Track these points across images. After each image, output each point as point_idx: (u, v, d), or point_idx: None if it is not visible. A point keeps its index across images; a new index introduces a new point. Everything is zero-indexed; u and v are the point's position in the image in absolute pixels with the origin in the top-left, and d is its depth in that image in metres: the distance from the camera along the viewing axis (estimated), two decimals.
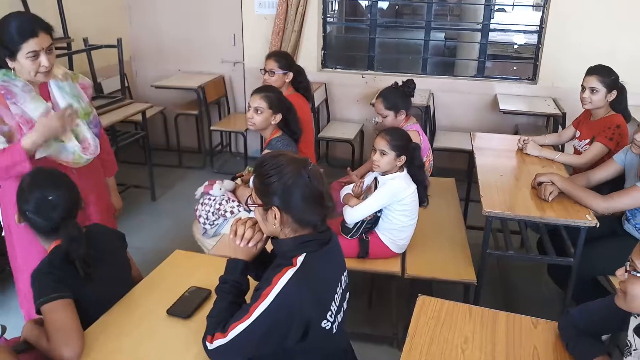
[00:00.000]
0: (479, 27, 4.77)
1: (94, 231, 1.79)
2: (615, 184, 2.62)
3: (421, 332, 1.55)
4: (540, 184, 2.54)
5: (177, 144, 5.11)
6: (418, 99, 4.25)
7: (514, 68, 6.58)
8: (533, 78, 4.60)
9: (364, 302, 2.98)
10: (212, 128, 4.82)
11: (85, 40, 4.25)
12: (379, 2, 5.19)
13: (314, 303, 1.37)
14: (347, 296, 1.55)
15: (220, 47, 5.08)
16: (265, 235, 1.51)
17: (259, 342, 1.36)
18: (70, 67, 4.33)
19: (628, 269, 1.27)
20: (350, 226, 2.52)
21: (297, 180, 1.37)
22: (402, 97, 3.03)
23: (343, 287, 1.50)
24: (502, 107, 4.17)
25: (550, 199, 2.45)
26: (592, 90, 2.90)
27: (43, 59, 1.98)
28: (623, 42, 4.18)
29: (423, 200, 2.53)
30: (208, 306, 1.58)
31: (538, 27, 4.53)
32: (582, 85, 2.96)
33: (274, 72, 3.15)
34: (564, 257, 2.46)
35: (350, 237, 2.53)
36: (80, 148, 2.15)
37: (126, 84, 4.75)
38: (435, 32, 6.23)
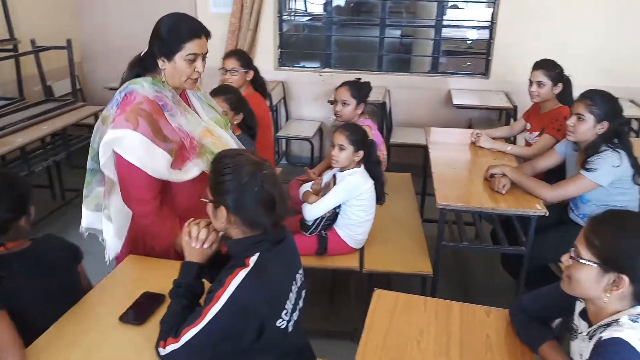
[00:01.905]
0: (432, 23, 4.85)
1: (42, 243, 1.73)
2: (563, 174, 2.71)
3: (377, 325, 1.57)
4: (492, 175, 2.61)
5: None
6: (374, 96, 4.29)
7: (468, 63, 6.69)
8: (485, 73, 4.71)
9: (325, 298, 2.99)
10: None
11: (32, 42, 4.11)
12: (334, 0, 5.21)
13: (268, 303, 1.37)
14: (304, 294, 1.55)
15: None
16: (220, 235, 1.50)
17: (213, 344, 1.34)
18: (18, 70, 4.19)
19: (572, 255, 1.31)
20: (310, 223, 2.53)
21: (250, 183, 1.36)
22: (365, 90, 3.05)
23: (298, 285, 1.50)
24: (456, 102, 4.26)
25: (504, 191, 2.51)
26: (539, 84, 3.00)
27: (199, 64, 1.80)
28: (570, 36, 4.33)
29: (380, 197, 2.56)
30: (162, 311, 1.55)
31: (489, 23, 4.64)
32: (529, 79, 3.05)
33: (236, 71, 3.12)
34: (516, 246, 2.54)
35: (309, 234, 2.53)
36: None
37: (78, 87, 4.62)
38: (393, 29, 6.31)
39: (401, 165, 4.09)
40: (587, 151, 2.46)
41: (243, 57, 3.24)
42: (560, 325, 1.92)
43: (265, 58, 4.76)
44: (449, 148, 3.25)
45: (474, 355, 1.47)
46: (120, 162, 1.78)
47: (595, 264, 1.25)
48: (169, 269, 1.76)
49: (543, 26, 4.35)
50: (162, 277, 1.75)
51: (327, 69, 4.90)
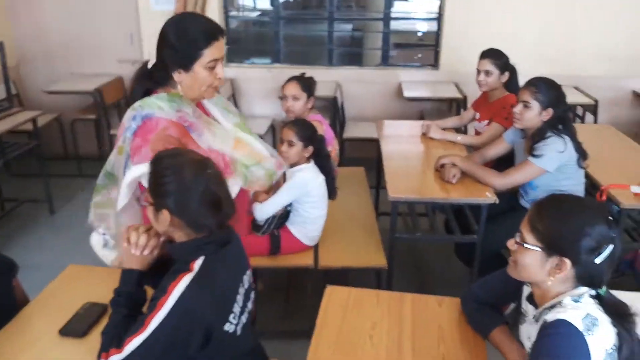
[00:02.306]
0: (381, 16, 4.85)
1: None
2: (512, 162, 2.75)
3: (330, 322, 1.54)
4: (443, 166, 2.62)
5: (76, 152, 4.79)
6: (325, 91, 4.28)
7: (419, 55, 6.75)
8: (435, 64, 4.75)
9: (281, 298, 2.94)
10: (113, 132, 4.58)
11: None
12: None
13: (213, 308, 1.32)
14: (252, 295, 1.50)
15: (116, 46, 4.81)
16: (161, 240, 1.44)
17: (158, 354, 1.28)
18: None
19: (517, 240, 1.32)
20: (261, 223, 2.47)
21: (194, 184, 1.31)
22: (312, 84, 3.01)
23: (246, 287, 1.45)
24: (406, 94, 4.29)
25: (454, 181, 2.52)
26: (487, 72, 3.04)
27: (220, 69, 1.58)
28: (516, 25, 4.41)
29: (332, 192, 2.53)
30: (105, 322, 1.47)
31: (437, 15, 4.67)
32: (477, 69, 3.08)
33: None
34: (469, 235, 2.56)
35: (261, 234, 2.48)
36: (273, 164, 1.79)
37: (14, 91, 4.40)
38: (344, 23, 6.29)
39: (355, 159, 4.08)
40: (534, 138, 2.50)
41: None
42: (514, 309, 1.95)
43: None
44: (400, 140, 3.25)
45: (426, 346, 1.46)
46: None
47: (538, 249, 1.26)
48: (111, 277, 1.68)
49: (489, 16, 4.42)
50: (104, 286, 1.66)
51: (276, 65, 4.84)
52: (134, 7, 4.62)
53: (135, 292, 1.42)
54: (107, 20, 4.74)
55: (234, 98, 4.81)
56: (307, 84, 2.94)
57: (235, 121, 1.78)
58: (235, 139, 1.70)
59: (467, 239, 2.56)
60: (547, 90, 2.47)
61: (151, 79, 1.61)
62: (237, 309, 1.39)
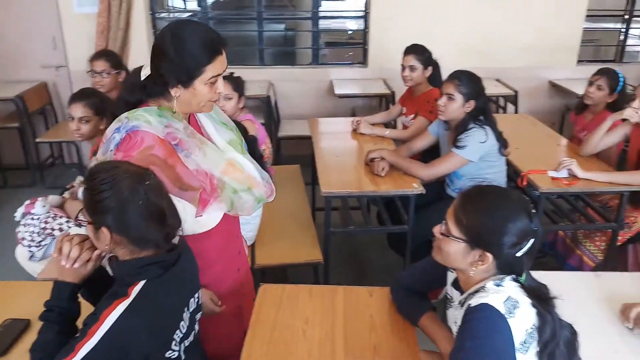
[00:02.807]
0: (309, 15, 4.89)
1: None
2: (438, 154, 2.86)
3: (263, 320, 1.55)
4: (372, 160, 2.69)
5: None
6: (257, 90, 4.28)
7: (350, 53, 6.85)
8: (364, 62, 4.84)
9: None
10: (38, 140, 4.37)
11: None
12: None
13: (151, 339, 1.23)
14: (199, 315, 1.44)
15: (39, 50, 4.60)
16: (96, 254, 1.34)
17: None
18: None
19: (442, 231, 1.36)
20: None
21: (132, 198, 1.22)
22: (242, 84, 2.99)
23: (192, 309, 1.38)
24: (337, 91, 4.35)
25: (383, 174, 2.60)
26: (411, 68, 3.14)
27: (220, 84, 1.45)
28: (438, 21, 4.55)
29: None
30: (27, 338, 1.43)
31: (364, 13, 4.76)
32: (401, 64, 3.18)
33: (108, 73, 2.95)
34: (400, 225, 2.64)
35: None
36: (265, 192, 1.65)
37: None
38: (276, 23, 6.28)
39: (291, 157, 4.11)
40: (457, 129, 2.61)
41: (113, 57, 3.10)
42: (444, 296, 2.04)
43: (140, 57, 4.53)
44: (332, 137, 3.31)
45: (358, 337, 1.50)
46: None
47: (462, 241, 1.30)
48: (38, 291, 1.62)
49: (412, 13, 4.54)
50: (26, 300, 1.62)
51: None
52: (55, 10, 4.43)
53: (67, 306, 1.32)
54: (27, 25, 4.52)
55: None
56: (238, 84, 2.93)
57: (228, 137, 1.63)
58: (227, 162, 1.55)
59: (398, 229, 2.65)
60: (469, 82, 2.58)
61: (144, 90, 1.48)
62: (179, 334, 1.32)
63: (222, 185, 1.52)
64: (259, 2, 4.74)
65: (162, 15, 5.00)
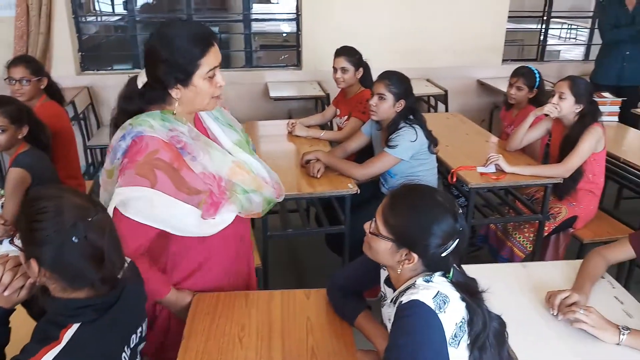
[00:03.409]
0: (240, 18, 4.85)
1: None
2: (373, 154, 2.90)
3: (197, 331, 1.50)
4: (308, 162, 2.68)
5: None
6: None
7: (285, 56, 6.85)
8: (298, 64, 4.85)
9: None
10: None
11: None
12: None
13: None
14: (140, 347, 1.35)
15: None
16: (31, 282, 1.22)
17: None
18: None
19: (372, 230, 1.36)
20: None
21: (69, 234, 1.10)
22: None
23: (132, 345, 1.29)
24: (272, 94, 4.33)
25: (319, 175, 2.60)
26: (343, 70, 3.17)
27: (219, 77, 1.44)
28: (369, 23, 4.64)
29: None
30: None
31: (295, 15, 4.77)
32: (333, 67, 3.20)
33: (28, 80, 2.79)
34: (337, 225, 2.65)
35: None
36: (273, 192, 1.64)
37: None
38: (210, 26, 6.18)
39: None
40: (389, 129, 2.65)
41: (32, 63, 2.93)
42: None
43: (64, 63, 4.35)
44: (268, 140, 3.29)
45: (295, 340, 1.48)
46: (125, 222, 1.40)
47: (389, 240, 1.31)
48: None
49: (342, 15, 4.60)
50: None
51: (137, 70, 4.63)
52: None
53: None
54: None
55: (92, 107, 4.53)
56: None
57: (235, 138, 1.63)
58: (234, 163, 1.56)
59: (336, 230, 2.66)
60: (399, 82, 2.63)
61: (143, 98, 1.46)
62: None
63: (231, 187, 1.52)
64: (188, 4, 4.65)
65: (90, 19, 4.82)
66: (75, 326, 1.14)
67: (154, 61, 1.40)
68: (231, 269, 1.73)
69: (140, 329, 1.32)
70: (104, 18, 6.38)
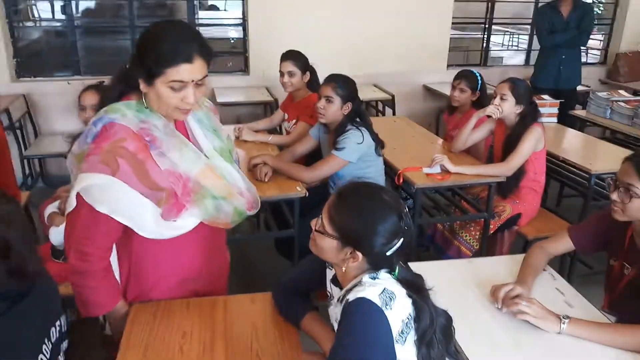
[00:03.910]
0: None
1: None
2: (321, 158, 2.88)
3: (135, 341, 1.43)
4: (255, 166, 2.64)
5: None
6: None
7: (230, 64, 6.77)
8: (245, 70, 4.80)
9: (99, 325, 2.70)
10: None
11: None
12: (80, 3, 4.78)
13: None
14: (65, 345, 1.32)
15: None
16: None
17: None
18: None
19: (318, 227, 1.35)
20: (62, 248, 2.24)
21: None
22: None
23: (54, 340, 1.26)
24: (220, 99, 4.27)
25: (266, 179, 2.56)
26: (290, 73, 3.15)
27: (189, 94, 1.37)
28: (317, 29, 4.65)
29: None
30: None
31: (242, 20, 4.72)
32: (280, 71, 3.17)
33: None
34: (286, 229, 2.61)
35: (63, 260, 2.24)
36: (244, 203, 1.58)
37: None
38: None
39: None
40: (336, 132, 2.65)
41: None
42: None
43: None
44: None
45: (240, 346, 1.44)
46: (87, 210, 1.38)
47: (334, 238, 1.29)
48: None
49: (290, 21, 4.59)
50: None
51: (76, 77, 4.47)
52: None
53: None
54: None
55: (29, 116, 4.32)
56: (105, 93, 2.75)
57: (217, 145, 1.58)
58: (207, 166, 1.51)
59: (285, 234, 2.62)
60: (346, 85, 2.63)
61: (126, 82, 1.44)
62: None
63: (199, 190, 1.47)
64: (130, 10, 4.52)
65: (27, 24, 4.62)
66: None
67: (136, 47, 1.40)
68: (201, 281, 1.67)
69: (59, 323, 1.30)
70: (43, 24, 6.14)
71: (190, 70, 1.35)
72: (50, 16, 6.13)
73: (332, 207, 1.32)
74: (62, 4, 4.72)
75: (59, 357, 1.30)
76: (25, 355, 1.18)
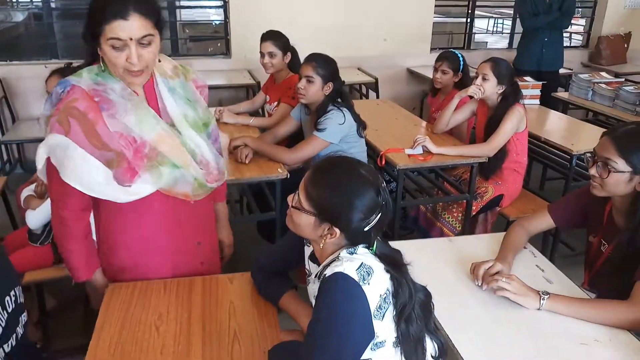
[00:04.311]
0: (165, 5, 4.68)
1: None
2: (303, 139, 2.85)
3: (110, 322, 1.41)
4: (235, 148, 2.61)
5: None
6: None
7: (218, 45, 6.69)
8: (227, 53, 4.74)
9: (81, 310, 2.67)
10: None
11: None
12: None
13: None
14: (23, 319, 1.30)
15: None
16: None
17: None
18: None
19: (294, 204, 1.32)
20: (38, 232, 2.20)
21: None
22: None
23: (10, 310, 1.25)
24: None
25: (247, 161, 2.53)
26: (270, 54, 3.11)
27: (131, 53, 1.35)
28: (300, 11, 4.60)
29: None
30: None
31: (223, 2, 4.65)
32: (260, 52, 3.13)
33: None
34: (268, 212, 2.59)
35: (40, 244, 2.21)
36: (203, 175, 1.55)
37: None
38: None
39: None
40: (318, 112, 2.62)
41: None
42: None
43: None
44: None
45: (217, 325, 1.42)
46: (56, 173, 1.42)
47: (311, 214, 1.27)
48: None
49: (273, 2, 4.53)
50: None
51: (53, 60, 4.37)
52: None
53: None
54: None
55: (5, 100, 4.23)
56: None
57: (191, 115, 1.56)
58: (165, 131, 1.48)
59: (267, 216, 2.60)
60: (326, 64, 2.60)
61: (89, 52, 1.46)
62: None
63: (154, 157, 1.46)
64: None
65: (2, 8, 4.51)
66: None
67: None
68: (188, 259, 1.67)
69: (13, 293, 1.29)
70: (20, 7, 6.01)
71: (126, 28, 1.33)
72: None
73: (308, 183, 1.29)
74: None
75: (18, 328, 1.29)
76: None
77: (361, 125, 2.66)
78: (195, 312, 1.46)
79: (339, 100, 2.62)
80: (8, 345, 1.23)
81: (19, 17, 5.63)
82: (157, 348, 1.33)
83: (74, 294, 2.68)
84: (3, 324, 1.22)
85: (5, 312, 1.23)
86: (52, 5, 4.52)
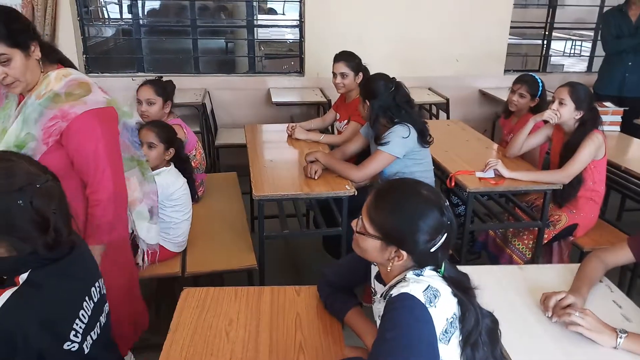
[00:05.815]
0: (244, 24, 4.88)
1: None
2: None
3: (184, 324, 1.48)
4: (310, 162, 2.67)
5: None
6: (192, 98, 4.21)
7: (285, 67, 6.88)
8: (301, 71, 4.86)
9: (152, 311, 2.80)
10: None
11: None
12: (146, 3, 4.99)
13: (44, 327, 1.18)
14: (107, 309, 1.40)
15: None
16: None
17: None
18: None
19: (359, 229, 1.33)
20: None
21: (16, 197, 1.15)
22: (169, 88, 2.95)
23: (96, 299, 1.34)
24: (275, 99, 4.35)
25: (316, 176, 2.58)
26: (343, 75, 3.18)
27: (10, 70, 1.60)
28: (371, 31, 4.65)
29: (193, 195, 2.48)
30: None
31: (298, 22, 4.79)
32: (333, 72, 3.20)
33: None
34: (334, 227, 2.63)
35: None
36: None
37: None
38: (219, 37, 6.23)
39: (231, 166, 4.04)
40: (375, 130, 2.66)
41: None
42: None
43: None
44: (267, 143, 3.29)
45: (283, 335, 1.46)
46: None
47: (377, 238, 1.28)
48: None
49: (347, 23, 4.62)
50: None
51: (140, 73, 4.66)
52: None
53: None
54: None
55: None
56: (163, 88, 2.88)
57: (10, 132, 1.66)
58: None
59: (333, 232, 2.63)
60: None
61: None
62: (80, 325, 1.27)
63: None
64: (192, 11, 4.68)
65: (96, 23, 4.88)
66: (27, 272, 1.20)
67: None
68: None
69: (98, 284, 1.36)
70: (111, 23, 6.45)
71: None
72: (119, 17, 6.45)
73: (371, 207, 1.30)
74: (128, 3, 4.94)
75: (101, 317, 1.36)
76: (66, 307, 1.25)
77: (427, 133, 2.63)
78: (263, 321, 1.51)
79: (404, 112, 2.60)
80: (94, 333, 1.32)
81: (109, 32, 6.03)
82: (226, 353, 1.39)
83: (145, 295, 2.82)
84: (89, 313, 1.30)
85: (91, 301, 1.32)
86: (141, 22, 4.83)
